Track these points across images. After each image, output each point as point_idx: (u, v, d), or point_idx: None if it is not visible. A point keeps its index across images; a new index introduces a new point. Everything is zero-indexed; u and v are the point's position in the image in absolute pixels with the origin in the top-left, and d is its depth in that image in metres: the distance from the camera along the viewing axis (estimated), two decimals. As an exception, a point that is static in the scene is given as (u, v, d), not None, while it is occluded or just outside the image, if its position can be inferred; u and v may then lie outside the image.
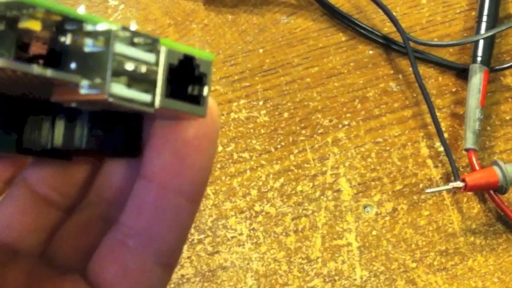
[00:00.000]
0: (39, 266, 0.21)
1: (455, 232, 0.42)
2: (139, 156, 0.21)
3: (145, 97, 0.17)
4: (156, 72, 0.17)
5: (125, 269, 0.20)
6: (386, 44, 0.45)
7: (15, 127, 0.21)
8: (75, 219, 0.23)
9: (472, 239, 0.42)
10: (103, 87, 0.16)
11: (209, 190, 0.41)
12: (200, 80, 0.18)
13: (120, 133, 0.21)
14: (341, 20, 0.45)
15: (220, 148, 0.42)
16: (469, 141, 0.42)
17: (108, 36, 0.16)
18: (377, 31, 0.45)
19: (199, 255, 0.40)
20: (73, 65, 0.17)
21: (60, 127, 0.21)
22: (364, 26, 0.45)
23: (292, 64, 0.44)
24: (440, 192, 0.42)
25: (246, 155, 0.42)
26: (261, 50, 0.44)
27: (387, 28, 0.45)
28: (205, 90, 0.18)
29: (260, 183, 0.41)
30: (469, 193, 0.42)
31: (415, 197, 0.42)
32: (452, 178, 0.42)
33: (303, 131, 0.43)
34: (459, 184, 0.40)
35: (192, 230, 0.40)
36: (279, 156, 0.42)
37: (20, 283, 0.20)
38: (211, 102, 0.19)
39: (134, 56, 0.17)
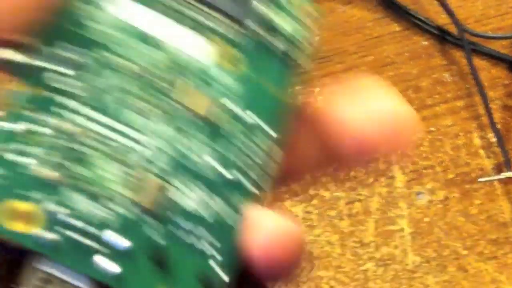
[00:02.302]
0: None
1: (506, 222, 0.42)
2: None
3: None
4: None
5: None
6: (441, 36, 0.46)
7: None
8: None
9: (522, 229, 0.42)
10: None
11: (265, 173, 0.42)
12: None
13: None
14: (396, 10, 0.46)
15: (276, 132, 0.43)
16: (522, 133, 0.43)
17: None
18: (431, 22, 0.46)
19: (254, 235, 0.41)
20: None
21: None
22: (419, 17, 0.46)
23: (348, 52, 0.45)
24: (492, 181, 0.43)
25: (301, 139, 0.43)
26: (317, 38, 0.45)
27: (441, 19, 0.46)
28: None
29: (315, 167, 0.42)
30: (520, 184, 0.43)
31: (467, 186, 0.43)
32: (504, 169, 0.42)
33: (358, 118, 0.43)
34: (512, 174, 0.41)
35: (248, 211, 0.41)
36: (334, 142, 0.43)
37: None
38: None
39: None
